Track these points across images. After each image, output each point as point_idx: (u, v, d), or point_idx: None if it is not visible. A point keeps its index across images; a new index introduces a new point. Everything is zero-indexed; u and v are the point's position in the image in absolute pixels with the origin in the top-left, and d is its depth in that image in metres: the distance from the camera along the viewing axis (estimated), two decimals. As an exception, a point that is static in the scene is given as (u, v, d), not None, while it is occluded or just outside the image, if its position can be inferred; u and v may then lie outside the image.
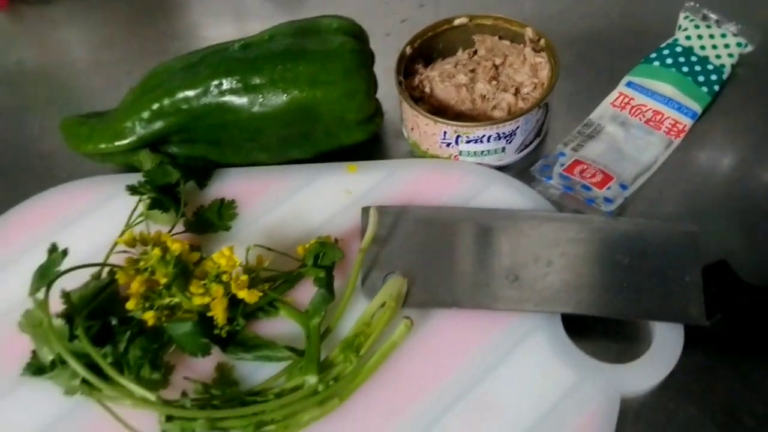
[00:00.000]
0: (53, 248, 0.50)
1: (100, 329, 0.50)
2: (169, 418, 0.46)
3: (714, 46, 0.70)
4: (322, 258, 0.54)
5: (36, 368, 0.51)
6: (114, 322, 0.50)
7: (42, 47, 0.85)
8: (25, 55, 0.84)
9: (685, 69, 0.68)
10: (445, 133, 0.60)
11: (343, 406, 0.49)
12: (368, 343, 0.50)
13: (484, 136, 0.60)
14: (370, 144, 0.65)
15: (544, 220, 0.57)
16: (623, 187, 0.61)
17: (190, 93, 0.60)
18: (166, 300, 0.50)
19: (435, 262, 0.56)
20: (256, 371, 0.51)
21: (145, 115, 0.60)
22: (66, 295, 0.50)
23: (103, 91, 0.77)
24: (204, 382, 0.49)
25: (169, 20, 0.86)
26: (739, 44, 0.70)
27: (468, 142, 0.61)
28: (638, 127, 0.65)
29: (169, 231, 0.56)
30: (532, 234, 0.56)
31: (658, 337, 0.51)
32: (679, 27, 0.72)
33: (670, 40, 0.71)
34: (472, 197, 0.60)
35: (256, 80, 0.59)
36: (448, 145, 0.61)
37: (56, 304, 0.49)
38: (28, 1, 0.88)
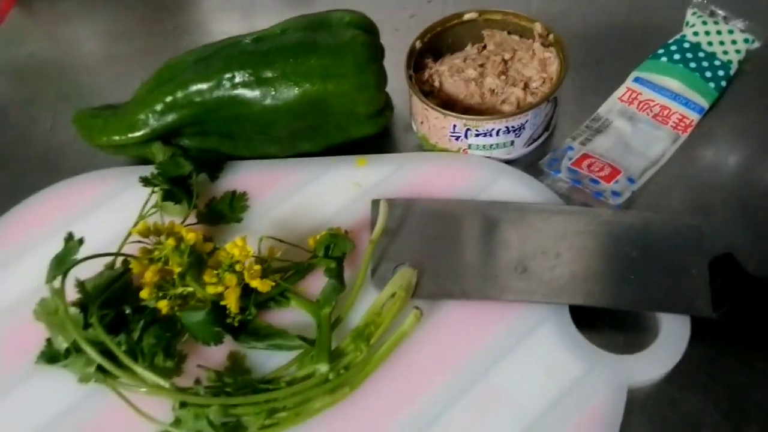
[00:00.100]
0: (70, 237, 0.51)
1: (114, 318, 0.51)
2: (183, 405, 0.47)
3: (721, 42, 0.70)
4: (333, 249, 0.54)
5: (50, 356, 0.51)
6: (128, 311, 0.51)
7: (54, 41, 0.86)
8: (37, 48, 0.84)
9: (692, 65, 0.69)
10: (454, 126, 0.61)
11: (354, 395, 0.50)
12: (378, 333, 0.51)
13: (493, 129, 0.60)
14: (379, 138, 0.66)
15: (552, 213, 0.58)
16: (631, 180, 0.61)
17: (203, 86, 0.60)
18: (179, 289, 0.51)
19: (444, 254, 0.56)
20: (267, 360, 0.52)
21: (159, 107, 0.61)
22: (80, 284, 0.51)
23: (114, 85, 0.78)
24: (217, 370, 0.50)
25: (180, 15, 0.86)
26: (746, 40, 0.70)
27: (477, 135, 0.61)
28: (646, 122, 0.65)
29: (182, 222, 0.57)
30: (541, 226, 0.57)
31: (665, 328, 0.51)
32: (687, 23, 0.73)
33: (677, 36, 0.72)
34: (481, 190, 0.61)
35: (268, 73, 0.59)
36: (458, 138, 0.62)
37: (70, 295, 0.50)
38: (40, -4, 0.89)
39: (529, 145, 0.64)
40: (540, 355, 0.51)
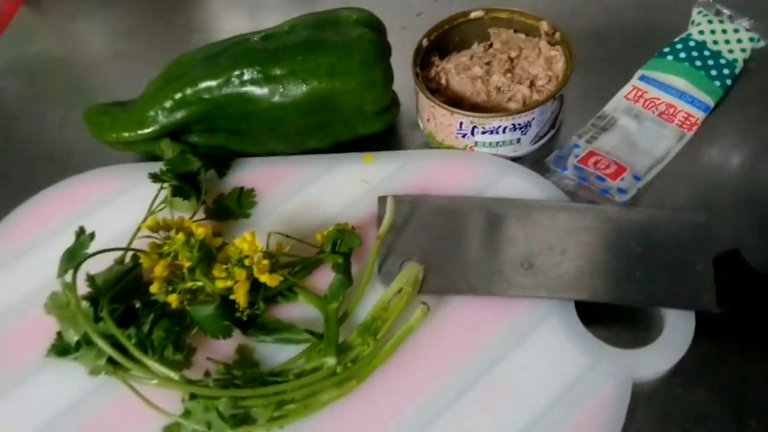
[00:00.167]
0: (81, 231, 0.52)
1: (124, 312, 0.51)
2: (193, 397, 0.47)
3: (727, 41, 0.70)
4: (340, 244, 0.55)
5: (61, 349, 0.52)
6: (138, 305, 0.51)
7: (62, 39, 0.86)
8: (45, 47, 0.85)
9: (698, 63, 0.69)
10: (461, 123, 0.61)
11: (361, 388, 0.50)
12: (385, 327, 0.51)
13: (499, 127, 0.61)
14: (386, 135, 0.67)
15: (558, 209, 0.58)
16: (636, 178, 0.61)
17: (212, 83, 0.61)
18: (189, 284, 0.51)
19: (450, 250, 0.57)
20: (275, 354, 0.52)
21: (168, 104, 0.62)
22: (90, 279, 0.51)
23: (122, 83, 0.78)
24: (226, 363, 0.50)
25: (187, 13, 0.87)
26: (751, 39, 0.70)
27: (484, 132, 0.62)
28: (651, 120, 0.66)
29: (191, 218, 0.57)
30: (547, 223, 0.57)
31: (670, 323, 0.52)
32: (692, 22, 0.73)
33: (683, 35, 0.72)
34: (487, 187, 0.61)
35: (277, 71, 0.60)
36: (464, 135, 0.62)
37: (80, 289, 0.51)
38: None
39: (535, 143, 0.64)
40: (545, 349, 0.52)
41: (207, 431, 0.47)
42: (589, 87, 0.70)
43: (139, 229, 0.55)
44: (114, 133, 0.64)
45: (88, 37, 0.87)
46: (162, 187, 0.60)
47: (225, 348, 0.52)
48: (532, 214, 0.58)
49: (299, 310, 0.55)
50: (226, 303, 0.51)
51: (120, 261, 0.54)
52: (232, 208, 0.61)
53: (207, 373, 0.50)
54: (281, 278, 0.52)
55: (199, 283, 0.51)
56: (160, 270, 0.51)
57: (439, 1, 0.82)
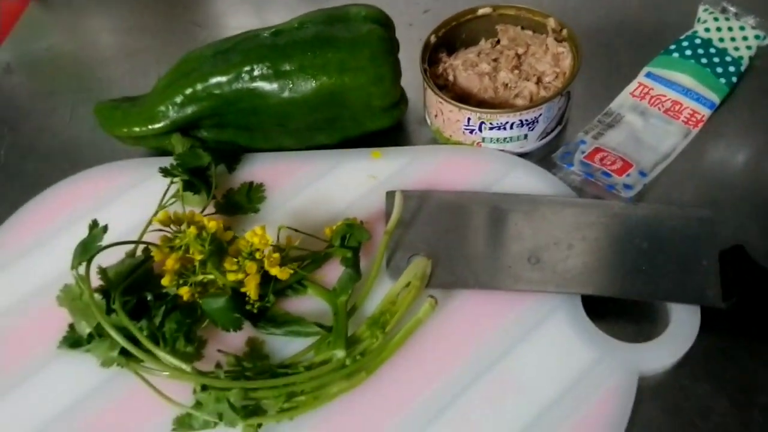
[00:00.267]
0: (94, 224, 0.52)
1: (136, 304, 0.52)
2: (204, 388, 0.48)
3: (732, 39, 0.71)
4: (349, 239, 0.55)
5: (73, 341, 0.53)
6: (149, 297, 0.52)
7: (71, 35, 0.87)
8: (55, 42, 0.85)
9: (703, 60, 0.69)
10: (468, 119, 0.62)
11: (370, 380, 0.51)
12: (394, 321, 0.52)
13: (507, 122, 0.61)
14: (394, 131, 0.67)
15: (564, 205, 0.58)
16: (642, 174, 0.62)
17: (222, 78, 0.61)
18: (200, 277, 0.52)
19: (458, 245, 0.57)
20: (285, 346, 0.53)
21: (178, 99, 0.62)
22: (103, 271, 0.52)
23: (131, 78, 0.79)
24: (236, 355, 0.51)
25: (196, 9, 0.87)
26: (757, 37, 0.71)
27: (491, 128, 0.62)
28: (657, 117, 0.66)
29: (201, 212, 0.58)
30: (553, 218, 0.58)
31: (676, 318, 0.52)
32: (698, 19, 0.73)
33: (689, 32, 0.72)
34: (494, 182, 0.62)
35: (286, 66, 0.60)
36: (472, 131, 0.63)
37: (93, 282, 0.51)
38: (59, -10, 0.91)
39: (542, 139, 0.65)
40: (552, 343, 0.52)
41: (218, 422, 0.47)
42: (595, 84, 0.70)
43: (150, 223, 0.56)
44: (125, 127, 0.65)
45: (97, 33, 0.88)
46: (172, 182, 0.61)
47: (236, 340, 0.53)
48: (538, 209, 0.58)
49: (309, 304, 0.55)
50: (236, 296, 0.51)
51: (132, 254, 0.55)
52: (241, 203, 0.61)
53: (218, 365, 0.50)
54: (291, 271, 0.52)
55: (211, 276, 0.52)
56: (171, 263, 0.51)
57: (446, -2, 0.82)
